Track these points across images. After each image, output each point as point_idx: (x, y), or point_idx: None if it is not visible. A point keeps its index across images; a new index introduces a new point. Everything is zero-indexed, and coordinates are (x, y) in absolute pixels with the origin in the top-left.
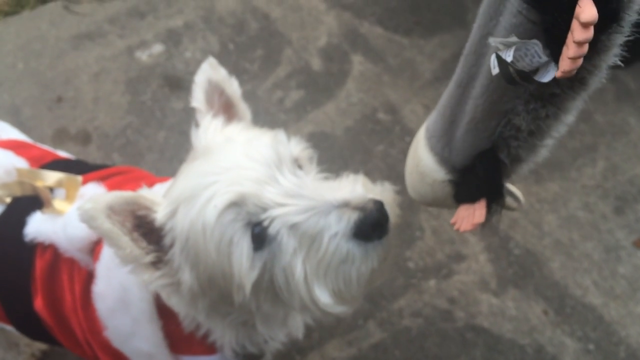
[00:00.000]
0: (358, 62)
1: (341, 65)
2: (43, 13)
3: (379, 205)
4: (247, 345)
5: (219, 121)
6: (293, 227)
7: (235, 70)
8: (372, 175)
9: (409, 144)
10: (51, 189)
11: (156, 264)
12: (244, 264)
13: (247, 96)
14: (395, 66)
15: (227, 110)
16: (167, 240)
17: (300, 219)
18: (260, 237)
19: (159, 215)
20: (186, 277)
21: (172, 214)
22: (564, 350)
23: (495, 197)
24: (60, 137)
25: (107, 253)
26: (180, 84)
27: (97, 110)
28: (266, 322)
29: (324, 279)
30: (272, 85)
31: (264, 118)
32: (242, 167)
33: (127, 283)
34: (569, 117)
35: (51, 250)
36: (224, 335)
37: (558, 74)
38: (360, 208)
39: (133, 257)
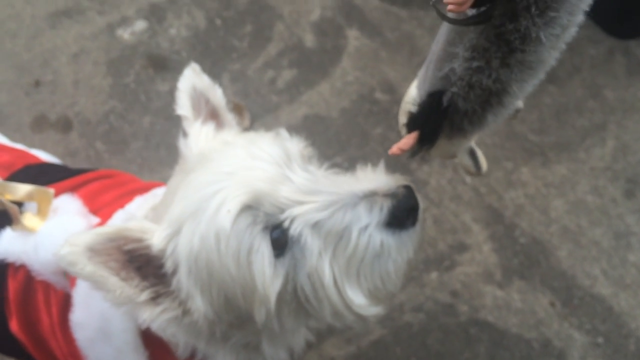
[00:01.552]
0: (353, 37)
1: (336, 40)
2: None
3: (410, 189)
4: None
5: (209, 127)
6: (316, 225)
7: (223, 48)
8: (370, 160)
9: None
10: (21, 203)
11: (155, 299)
12: (266, 272)
13: (237, 76)
14: (393, 41)
15: (215, 118)
16: (168, 268)
17: (323, 216)
18: (279, 241)
19: (156, 241)
20: (198, 304)
21: (173, 235)
22: (572, 344)
23: (428, 135)
24: (39, 125)
25: None
26: (165, 64)
27: (77, 94)
28: (273, 341)
29: (357, 278)
30: (263, 64)
31: (254, 100)
32: (249, 168)
33: (107, 312)
34: (504, 85)
35: (24, 270)
36: None
37: (450, 6)
38: (391, 195)
39: (126, 297)
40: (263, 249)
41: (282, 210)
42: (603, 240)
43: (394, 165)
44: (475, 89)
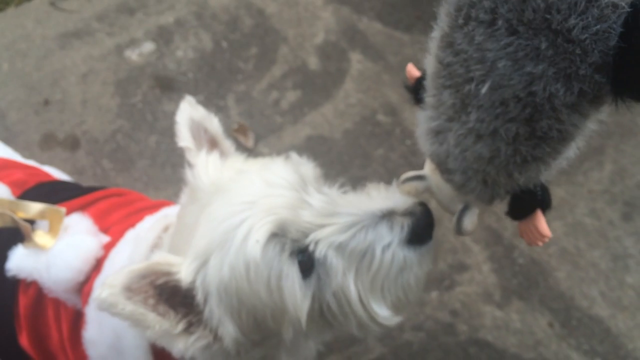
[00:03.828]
0: (356, 61)
1: (339, 63)
2: (28, 10)
3: (425, 206)
4: None
5: (215, 156)
6: (339, 246)
7: (229, 69)
8: (372, 180)
9: (409, 147)
10: (33, 221)
11: (188, 328)
12: (297, 295)
13: (242, 97)
14: (395, 64)
15: (215, 146)
16: (199, 298)
17: (345, 237)
18: (305, 264)
19: (184, 275)
20: (229, 330)
21: (200, 267)
22: None
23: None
24: (47, 143)
25: None
26: (171, 85)
27: (85, 113)
28: (292, 353)
29: (381, 292)
30: (268, 86)
31: (259, 121)
32: (268, 195)
33: (120, 330)
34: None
35: (35, 286)
36: None
37: None
38: (409, 213)
39: (163, 331)
40: (292, 273)
41: (306, 235)
42: (601, 262)
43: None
44: None
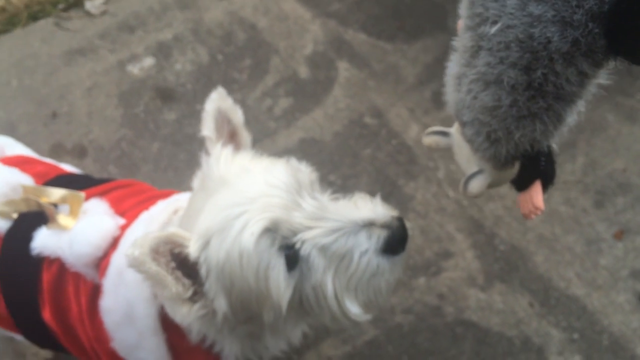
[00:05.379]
0: (344, 69)
1: (327, 72)
2: (35, 30)
3: (402, 221)
4: (249, 353)
5: (228, 150)
6: (323, 247)
7: (224, 80)
8: (361, 178)
9: (395, 146)
10: (55, 205)
11: (192, 297)
12: (281, 285)
13: (237, 105)
14: (379, 71)
15: (232, 139)
16: (202, 272)
17: (329, 240)
18: (291, 258)
19: (192, 250)
20: (221, 305)
21: (204, 246)
22: (550, 340)
23: None
24: (56, 152)
25: (113, 270)
26: (171, 96)
27: (91, 124)
28: (275, 333)
29: (355, 292)
30: (261, 94)
31: (254, 126)
32: (267, 195)
33: (132, 299)
34: None
35: (57, 263)
36: (231, 347)
37: None
38: (387, 226)
39: (177, 294)
40: (279, 266)
41: (295, 234)
42: (576, 246)
43: (383, 181)
44: None
